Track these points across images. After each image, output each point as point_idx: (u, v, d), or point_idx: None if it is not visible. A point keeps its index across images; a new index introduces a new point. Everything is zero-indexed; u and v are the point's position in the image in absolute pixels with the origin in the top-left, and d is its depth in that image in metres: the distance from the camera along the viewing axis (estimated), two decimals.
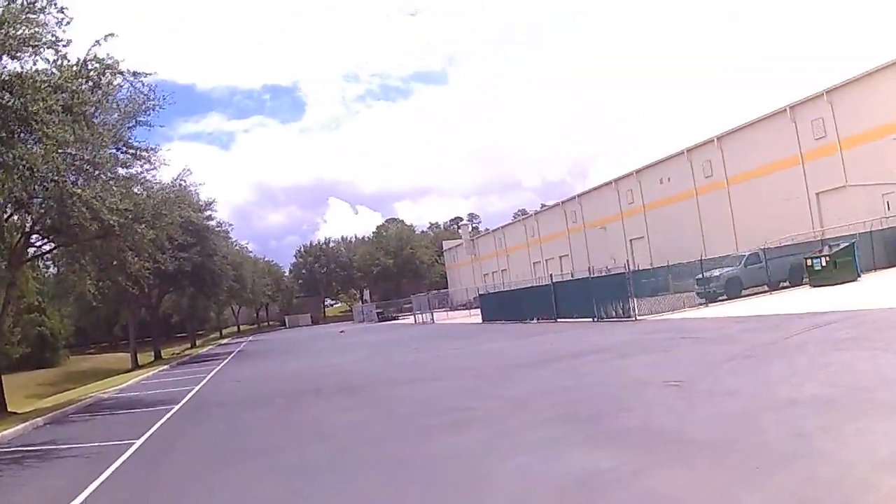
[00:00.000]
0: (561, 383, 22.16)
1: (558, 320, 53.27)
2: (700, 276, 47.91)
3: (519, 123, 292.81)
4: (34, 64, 23.98)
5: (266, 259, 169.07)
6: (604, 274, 57.82)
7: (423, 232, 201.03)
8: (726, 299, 47.13)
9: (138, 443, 20.96)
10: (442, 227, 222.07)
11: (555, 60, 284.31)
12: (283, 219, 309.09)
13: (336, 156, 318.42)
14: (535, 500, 10.52)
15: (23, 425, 27.83)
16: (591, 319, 48.30)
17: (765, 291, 48.62)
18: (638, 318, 43.79)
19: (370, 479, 13.27)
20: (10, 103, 21.97)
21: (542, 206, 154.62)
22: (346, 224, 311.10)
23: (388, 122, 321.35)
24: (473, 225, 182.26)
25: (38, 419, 29.59)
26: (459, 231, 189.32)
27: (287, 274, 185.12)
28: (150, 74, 27.64)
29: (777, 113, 65.23)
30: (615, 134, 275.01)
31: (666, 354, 25.62)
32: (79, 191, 28.73)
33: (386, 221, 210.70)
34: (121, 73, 26.87)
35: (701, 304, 46.32)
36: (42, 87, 22.77)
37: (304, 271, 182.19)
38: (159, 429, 23.81)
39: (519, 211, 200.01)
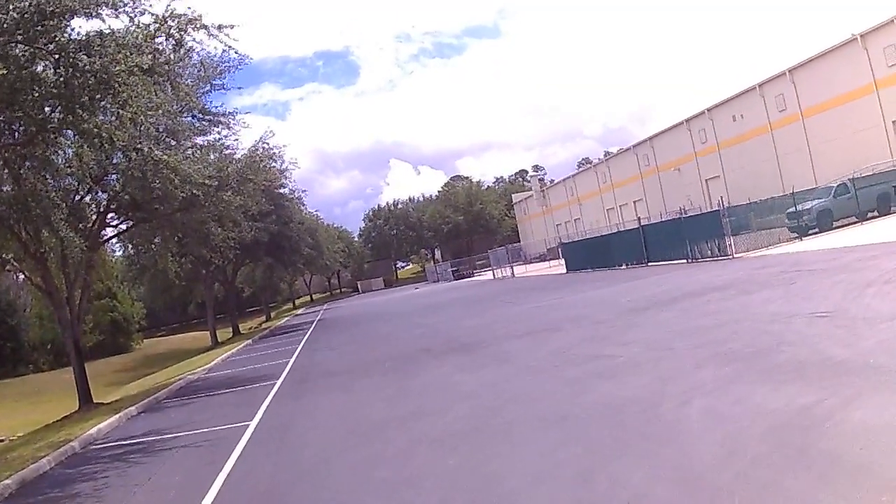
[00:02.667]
0: (694, 323, 20.85)
1: (649, 264, 52.17)
2: (793, 209, 46.66)
3: (575, 73, 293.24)
4: (110, 23, 22.47)
5: (335, 225, 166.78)
6: (696, 213, 55.87)
7: (489, 187, 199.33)
8: (818, 232, 46.02)
9: (252, 424, 19.28)
10: (507, 180, 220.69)
11: (605, 5, 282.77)
12: (345, 185, 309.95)
13: (394, 117, 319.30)
14: (750, 443, 9.50)
15: (116, 416, 25.92)
16: (684, 261, 47.27)
17: (854, 222, 47.37)
18: (735, 255, 42.68)
19: (539, 440, 11.92)
20: (87, 67, 20.44)
21: (606, 153, 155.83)
22: (410, 185, 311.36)
23: (444, 80, 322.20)
24: (540, 176, 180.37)
25: (132, 408, 27.73)
26: (525, 184, 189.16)
27: (356, 239, 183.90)
28: (234, 27, 25.44)
29: (849, 42, 63.04)
30: (674, 78, 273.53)
31: (792, 287, 24.13)
32: (165, 157, 27.17)
33: (452, 179, 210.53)
34: (204, 27, 24.73)
35: (794, 238, 45.23)
36: (127, 44, 21.18)
37: (373, 234, 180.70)
38: (270, 406, 22.16)
39: (583, 160, 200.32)
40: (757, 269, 32.78)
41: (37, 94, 20.81)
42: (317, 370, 29.90)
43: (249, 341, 62.84)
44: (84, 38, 20.95)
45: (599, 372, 16.34)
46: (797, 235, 45.53)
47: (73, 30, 21.20)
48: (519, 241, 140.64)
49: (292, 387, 26.09)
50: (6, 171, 27.46)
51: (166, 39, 23.87)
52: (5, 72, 18.50)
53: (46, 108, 22.62)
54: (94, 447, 21.29)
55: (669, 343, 18.25)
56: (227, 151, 42.11)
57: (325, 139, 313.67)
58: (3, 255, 33.46)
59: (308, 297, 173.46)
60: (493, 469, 10.76)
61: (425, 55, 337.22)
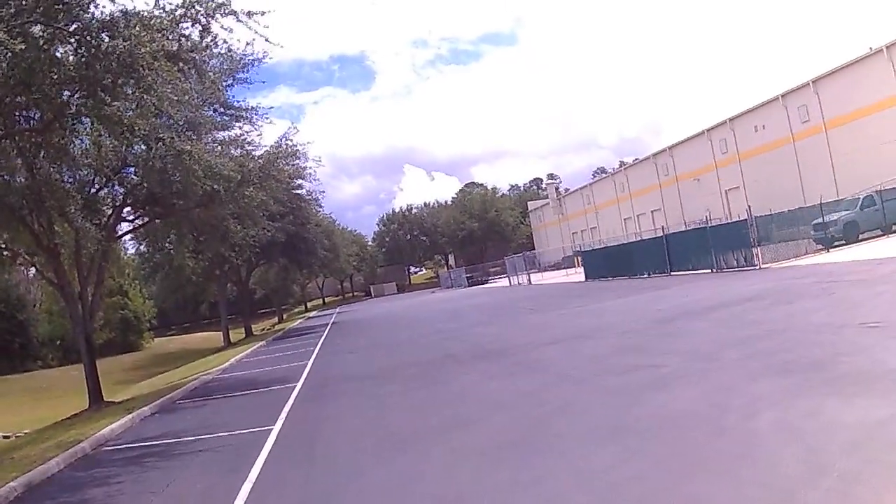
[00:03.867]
0: (737, 333, 19.97)
1: (672, 273, 51.43)
2: (820, 220, 46.38)
3: (590, 82, 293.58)
4: (132, 2, 21.66)
5: (350, 229, 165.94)
6: (720, 223, 55.51)
7: (503, 194, 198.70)
8: (844, 244, 45.59)
9: (276, 429, 18.24)
10: (522, 188, 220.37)
11: (622, 14, 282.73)
12: (358, 189, 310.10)
13: (408, 123, 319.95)
14: (835, 459, 8.70)
15: (129, 416, 24.87)
16: (709, 270, 46.75)
17: (880, 235, 47.01)
18: (762, 266, 42.08)
19: (597, 455, 10.89)
20: (109, 49, 19.58)
21: (622, 163, 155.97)
22: (423, 191, 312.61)
23: (460, 86, 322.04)
24: (555, 185, 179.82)
25: (145, 408, 26.69)
26: (540, 192, 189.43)
27: (370, 243, 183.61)
28: (265, 13, 24.31)
29: (874, 53, 63.07)
30: (690, 89, 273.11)
31: (831, 297, 23.65)
32: (188, 147, 26.29)
33: (466, 185, 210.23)
34: (233, 12, 23.63)
35: (820, 250, 44.92)
36: (152, 27, 20.33)
37: (387, 239, 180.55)
38: (292, 411, 21.12)
39: (598, 169, 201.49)
40: (789, 279, 32.25)
41: (55, 77, 20.05)
42: (338, 374, 28.96)
43: (263, 343, 62.14)
44: (108, 17, 20.15)
45: (645, 383, 15.41)
46: (823, 247, 45.25)
47: (96, 6, 20.41)
48: (533, 249, 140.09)
49: (314, 391, 25.10)
50: (20, 160, 26.73)
51: (192, 25, 23.00)
52: (24, 46, 17.56)
53: (65, 94, 21.97)
54: (106, 449, 20.34)
55: (715, 353, 17.36)
56: (250, 148, 41.39)
57: (339, 143, 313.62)
58: (15, 249, 32.73)
59: (320, 301, 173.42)
60: (552, 486, 9.77)
61: (441, 61, 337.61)
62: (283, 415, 20.39)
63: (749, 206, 47.72)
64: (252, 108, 38.73)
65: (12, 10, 18.42)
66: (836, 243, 45.72)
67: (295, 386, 26.82)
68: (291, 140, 44.72)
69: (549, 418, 13.90)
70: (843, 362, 13.64)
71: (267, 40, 24.80)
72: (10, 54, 17.75)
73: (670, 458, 10.01)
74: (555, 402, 15.43)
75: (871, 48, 62.40)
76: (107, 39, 19.67)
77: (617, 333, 24.93)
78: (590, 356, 20.96)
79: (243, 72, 35.45)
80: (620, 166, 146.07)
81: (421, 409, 17.96)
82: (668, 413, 12.46)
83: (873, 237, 46.72)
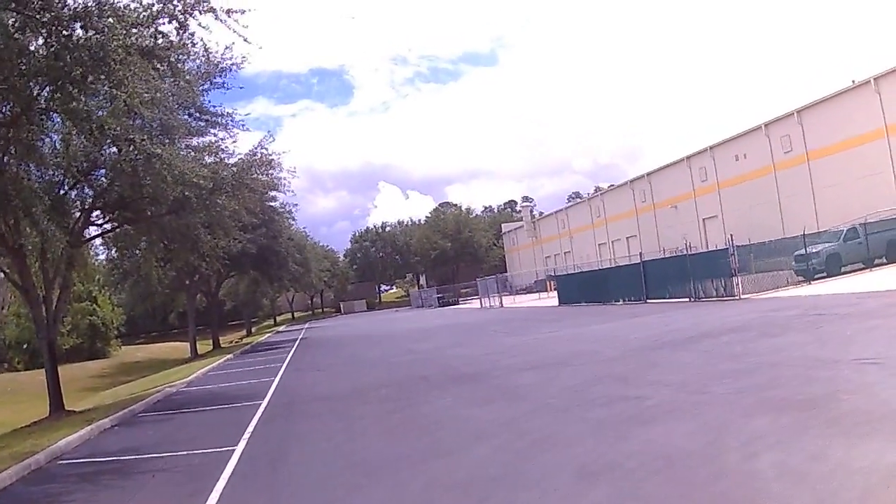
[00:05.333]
0: (722, 366, 19.28)
1: (648, 301, 51.16)
2: (802, 252, 45.67)
3: (568, 106, 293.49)
4: None
5: (322, 244, 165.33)
6: (700, 251, 55.81)
7: (477, 215, 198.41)
8: (825, 276, 44.97)
9: (238, 450, 17.34)
10: (496, 210, 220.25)
11: (604, 41, 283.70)
12: (332, 204, 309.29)
13: (385, 139, 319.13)
14: None
15: (88, 428, 23.99)
16: (687, 299, 46.28)
17: (862, 269, 46.34)
18: (742, 296, 41.50)
19: (590, 495, 10.07)
20: (81, 41, 18.76)
21: (596, 188, 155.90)
22: (397, 209, 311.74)
23: (438, 105, 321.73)
24: (530, 208, 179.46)
25: (105, 420, 25.77)
26: (514, 214, 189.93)
27: (342, 259, 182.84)
28: (246, 12, 23.44)
29: (860, 85, 62.36)
30: (667, 118, 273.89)
31: (819, 331, 23.02)
32: (159, 151, 25.41)
33: (441, 205, 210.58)
34: (212, 9, 22.78)
35: (801, 282, 44.34)
36: (128, 18, 19.49)
37: (359, 256, 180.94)
38: (257, 430, 20.28)
39: (573, 194, 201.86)
40: (771, 311, 31.62)
41: (24, 68, 19.24)
42: (305, 392, 28.18)
43: (231, 356, 61.40)
44: (81, 7, 19.28)
45: (632, 415, 14.65)
46: (804, 279, 44.72)
47: None
48: (506, 272, 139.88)
49: (280, 409, 24.22)
50: None
51: (170, 21, 22.15)
52: None
53: (35, 88, 21.18)
54: (62, 462, 19.52)
55: (703, 386, 16.61)
56: (223, 155, 39.99)
57: (315, 157, 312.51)
58: None
59: (289, 315, 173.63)
60: None
61: (420, 79, 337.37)
62: (247, 434, 19.54)
63: (731, 235, 47.15)
64: (227, 113, 37.81)
65: None
66: (818, 276, 45.23)
67: (260, 404, 25.97)
68: (266, 149, 43.90)
69: (533, 451, 13.09)
70: (843, 400, 12.91)
71: (245, 40, 23.87)
72: None
73: (669, 501, 9.31)
74: (537, 433, 14.60)
75: (853, 81, 61.95)
76: (79, 31, 18.90)
77: (597, 361, 24.26)
78: (568, 385, 20.23)
79: (220, 76, 34.57)
80: (595, 191, 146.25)
81: (395, 434, 17.08)
82: (661, 450, 11.65)
83: (855, 270, 46.24)
